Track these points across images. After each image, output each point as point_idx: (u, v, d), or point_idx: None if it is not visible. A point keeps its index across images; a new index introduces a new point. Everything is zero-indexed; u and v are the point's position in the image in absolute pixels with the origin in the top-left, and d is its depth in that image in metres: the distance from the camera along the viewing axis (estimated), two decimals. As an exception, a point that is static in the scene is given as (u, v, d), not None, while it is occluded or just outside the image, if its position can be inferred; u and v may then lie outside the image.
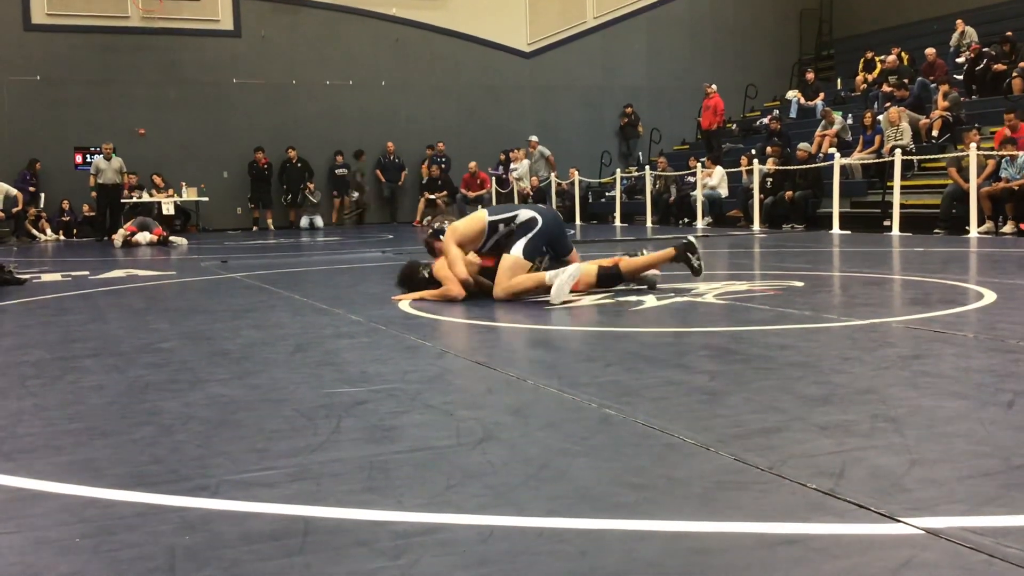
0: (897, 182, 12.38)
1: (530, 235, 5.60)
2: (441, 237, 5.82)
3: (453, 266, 5.61)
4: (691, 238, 5.91)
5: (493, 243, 5.73)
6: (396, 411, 2.86)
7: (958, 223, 11.96)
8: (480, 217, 5.79)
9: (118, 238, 14.52)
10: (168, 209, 18.54)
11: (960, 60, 17.11)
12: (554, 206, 19.70)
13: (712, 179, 16.66)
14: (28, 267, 10.25)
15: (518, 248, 5.58)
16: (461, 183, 21.24)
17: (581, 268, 5.54)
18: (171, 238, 15.08)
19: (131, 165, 18.43)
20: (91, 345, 4.45)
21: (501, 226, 5.69)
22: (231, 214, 20.73)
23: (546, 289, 5.42)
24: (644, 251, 6.08)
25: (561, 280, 5.32)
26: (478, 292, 5.69)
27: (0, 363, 4.08)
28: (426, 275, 5.88)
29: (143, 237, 14.59)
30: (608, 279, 5.71)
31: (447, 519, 1.91)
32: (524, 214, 5.70)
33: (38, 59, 19.21)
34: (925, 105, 15.40)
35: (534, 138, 20.80)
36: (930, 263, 7.91)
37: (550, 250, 5.80)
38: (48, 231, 18.55)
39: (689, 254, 5.78)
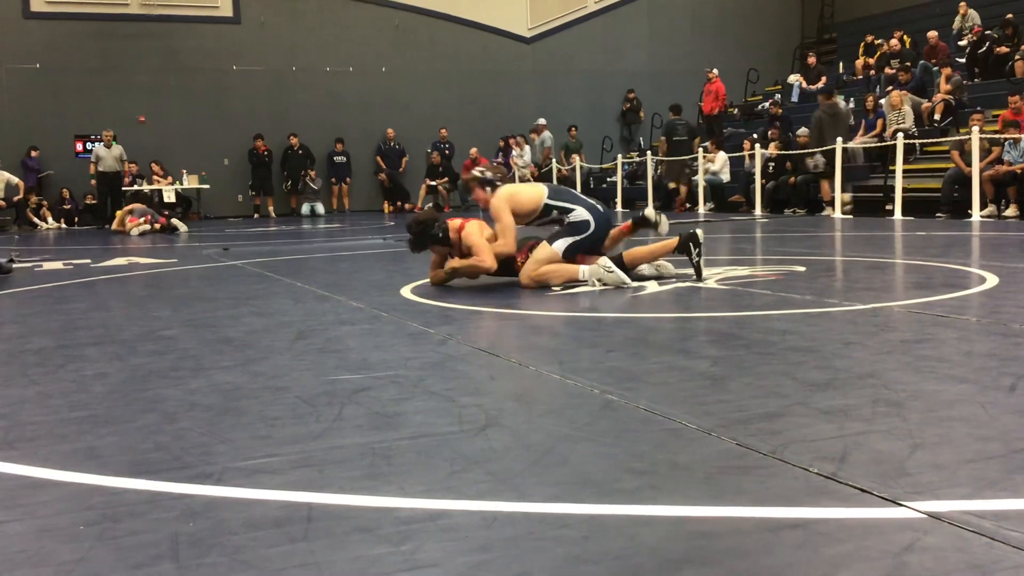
0: (899, 166, 12.35)
1: (578, 238, 5.50)
2: (488, 189, 5.62)
3: (504, 234, 5.48)
4: (697, 230, 5.72)
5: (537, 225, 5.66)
6: (398, 398, 2.87)
7: (960, 207, 11.94)
8: (539, 193, 5.59)
9: (135, 230, 14.55)
10: (169, 197, 18.54)
11: (962, 43, 17.04)
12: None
13: (714, 164, 16.63)
14: (29, 255, 10.25)
15: (560, 245, 5.48)
16: (462, 169, 21.20)
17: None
18: (173, 220, 15.16)
19: (132, 153, 18.42)
20: (93, 333, 4.45)
21: (554, 212, 5.55)
22: (232, 201, 20.71)
23: (575, 281, 5.40)
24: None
25: (618, 273, 5.30)
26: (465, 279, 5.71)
27: (3, 351, 4.09)
28: (439, 234, 5.63)
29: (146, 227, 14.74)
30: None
31: (450, 505, 1.92)
32: (580, 213, 5.53)
33: (38, 47, 19.16)
34: (927, 89, 15.34)
35: (542, 121, 20.77)
36: (932, 247, 7.90)
37: (585, 251, 5.62)
38: (49, 219, 18.55)
39: (691, 245, 5.59)
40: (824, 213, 13.70)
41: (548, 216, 5.59)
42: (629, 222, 5.87)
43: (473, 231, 5.57)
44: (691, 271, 5.68)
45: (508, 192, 5.60)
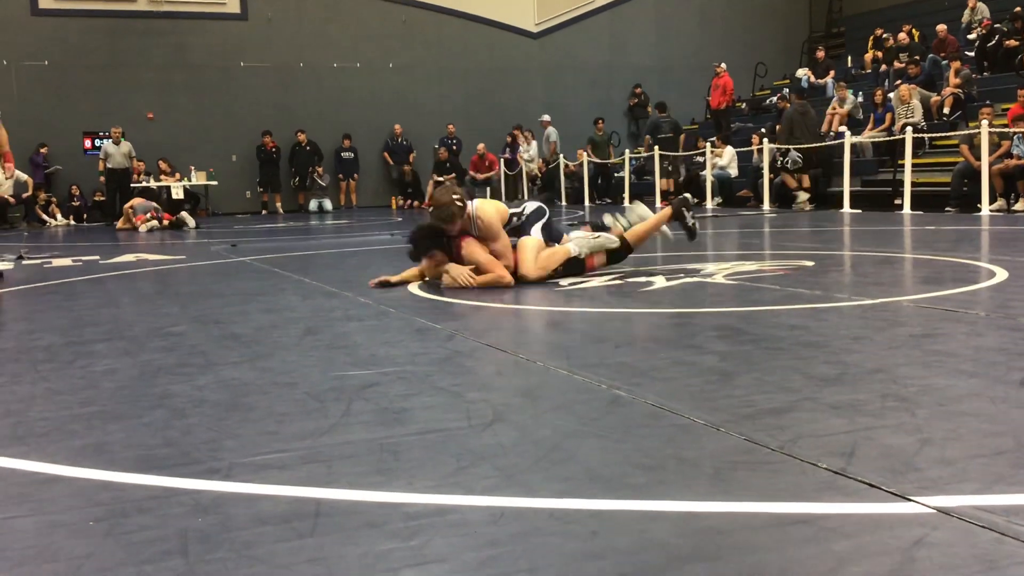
0: (908, 160, 12.31)
1: (543, 221, 5.78)
2: (468, 203, 5.54)
3: (505, 254, 5.54)
4: (686, 195, 6.12)
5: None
6: (406, 393, 2.87)
7: (969, 201, 11.89)
8: (505, 208, 5.86)
9: (144, 227, 14.60)
10: (177, 193, 18.59)
11: (971, 36, 16.96)
12: (563, 188, 19.70)
13: (722, 159, 16.59)
14: (38, 252, 10.29)
15: (536, 232, 5.71)
16: (470, 165, 21.19)
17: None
18: (182, 214, 15.20)
19: (140, 149, 18.47)
20: (102, 329, 4.47)
21: (514, 219, 5.79)
22: (240, 198, 20.76)
23: (571, 261, 5.64)
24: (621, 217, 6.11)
25: (603, 235, 5.72)
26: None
27: (12, 348, 4.11)
28: (444, 240, 5.59)
29: (155, 223, 14.78)
30: (618, 254, 5.84)
31: (458, 501, 1.92)
32: (531, 205, 5.90)
33: (46, 44, 19.21)
34: (936, 82, 15.28)
35: (546, 117, 20.75)
36: (941, 241, 7.87)
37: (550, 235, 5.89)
38: (58, 216, 18.61)
39: (684, 210, 5.95)
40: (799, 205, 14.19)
41: (510, 224, 5.78)
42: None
43: (478, 249, 5.51)
44: (695, 266, 5.69)
45: (495, 210, 5.71)
